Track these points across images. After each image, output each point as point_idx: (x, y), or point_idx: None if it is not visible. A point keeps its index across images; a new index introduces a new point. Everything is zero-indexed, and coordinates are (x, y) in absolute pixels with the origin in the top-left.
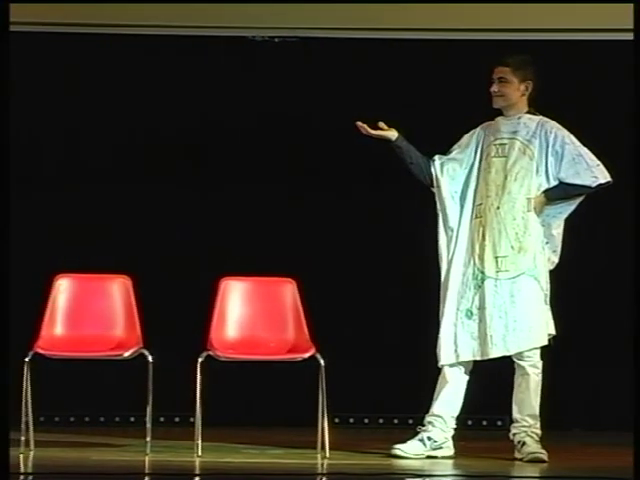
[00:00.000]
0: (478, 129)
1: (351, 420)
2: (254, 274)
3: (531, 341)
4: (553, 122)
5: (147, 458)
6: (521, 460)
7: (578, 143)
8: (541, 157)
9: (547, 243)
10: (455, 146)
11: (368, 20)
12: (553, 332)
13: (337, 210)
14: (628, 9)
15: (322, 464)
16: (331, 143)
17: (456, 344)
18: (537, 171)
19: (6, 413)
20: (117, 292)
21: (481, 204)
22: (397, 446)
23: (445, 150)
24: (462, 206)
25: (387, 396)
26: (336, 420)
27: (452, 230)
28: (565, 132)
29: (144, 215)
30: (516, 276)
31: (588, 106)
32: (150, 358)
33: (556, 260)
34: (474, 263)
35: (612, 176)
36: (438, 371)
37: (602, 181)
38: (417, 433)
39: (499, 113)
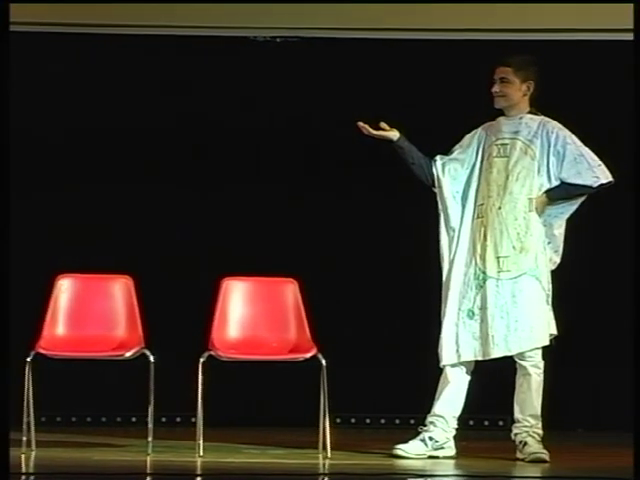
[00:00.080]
0: (479, 129)
1: (353, 420)
2: (254, 274)
3: (533, 341)
4: (555, 122)
5: (149, 458)
6: (523, 460)
7: (579, 143)
8: (542, 157)
9: (549, 243)
10: (456, 146)
11: (369, 20)
12: (555, 332)
13: (337, 210)
14: (628, 9)
15: (324, 464)
16: (331, 143)
17: (458, 344)
18: (539, 171)
19: (7, 413)
20: (119, 292)
21: (482, 204)
22: (399, 446)
23: (446, 150)
24: (464, 206)
25: (389, 396)
26: (338, 420)
27: (454, 230)
28: (567, 132)
29: (144, 215)
30: (518, 276)
31: (588, 106)
32: (152, 358)
33: (558, 260)
34: (476, 263)
35: (613, 176)
36: (440, 371)
37: (603, 181)
38: (419, 433)
39: (500, 113)
